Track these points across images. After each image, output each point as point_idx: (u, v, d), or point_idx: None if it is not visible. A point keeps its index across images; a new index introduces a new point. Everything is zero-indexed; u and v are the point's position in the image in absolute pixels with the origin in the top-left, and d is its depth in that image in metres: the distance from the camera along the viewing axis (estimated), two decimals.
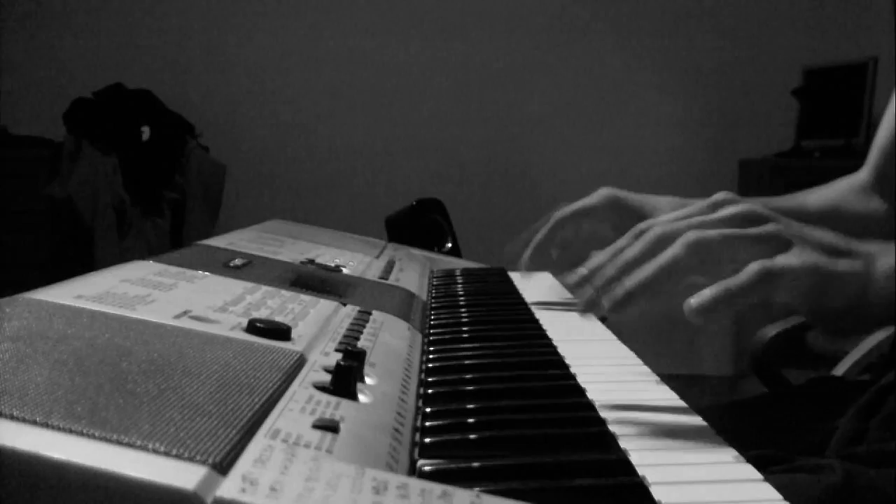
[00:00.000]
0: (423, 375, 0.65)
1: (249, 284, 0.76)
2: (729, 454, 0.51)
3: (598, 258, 0.59)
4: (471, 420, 0.54)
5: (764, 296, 0.52)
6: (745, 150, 3.38)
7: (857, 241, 0.59)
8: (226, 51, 3.43)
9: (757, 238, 0.54)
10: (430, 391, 0.60)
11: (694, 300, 0.52)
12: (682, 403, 0.61)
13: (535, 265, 1.02)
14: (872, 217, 1.07)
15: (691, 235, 0.53)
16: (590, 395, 0.61)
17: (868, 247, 0.59)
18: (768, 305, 0.55)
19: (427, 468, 0.46)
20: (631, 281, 0.53)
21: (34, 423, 0.35)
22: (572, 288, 0.61)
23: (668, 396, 0.63)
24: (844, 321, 0.56)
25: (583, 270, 0.57)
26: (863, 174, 1.10)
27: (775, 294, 0.52)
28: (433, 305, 0.95)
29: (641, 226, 0.59)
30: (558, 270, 1.10)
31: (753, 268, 0.52)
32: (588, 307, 0.59)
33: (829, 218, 1.08)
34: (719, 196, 0.59)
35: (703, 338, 3.27)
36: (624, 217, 1.04)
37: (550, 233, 1.01)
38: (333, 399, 0.48)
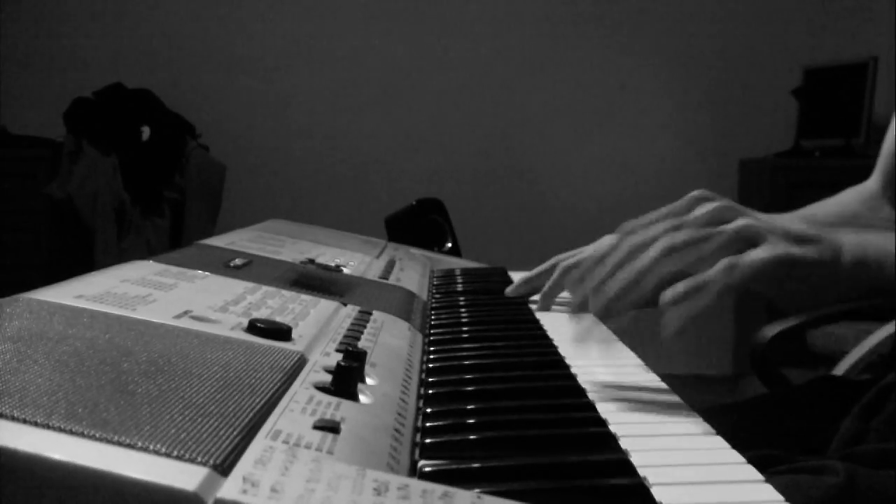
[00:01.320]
0: (423, 376, 0.65)
1: (250, 284, 0.76)
2: (730, 455, 0.51)
3: (585, 263, 0.64)
4: (471, 420, 0.54)
5: (735, 288, 0.56)
6: (745, 150, 3.38)
7: (826, 228, 0.64)
8: (226, 51, 3.43)
9: (727, 236, 0.58)
10: (430, 391, 0.60)
11: (667, 292, 0.58)
12: (682, 403, 0.61)
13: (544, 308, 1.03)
14: (882, 227, 1.06)
15: (661, 242, 0.58)
16: (590, 395, 0.61)
17: (836, 234, 0.63)
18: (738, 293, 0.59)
19: (428, 469, 0.46)
20: (611, 286, 0.58)
21: (35, 423, 0.35)
22: (570, 292, 0.66)
23: (669, 396, 0.63)
24: (806, 300, 0.60)
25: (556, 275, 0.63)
26: (871, 182, 1.09)
27: (746, 284, 0.57)
28: (433, 305, 0.95)
29: (625, 227, 0.64)
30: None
31: (721, 264, 0.57)
32: (578, 309, 0.65)
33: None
34: (694, 193, 0.64)
35: (704, 338, 3.27)
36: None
37: (557, 283, 1.02)
38: (334, 399, 0.48)
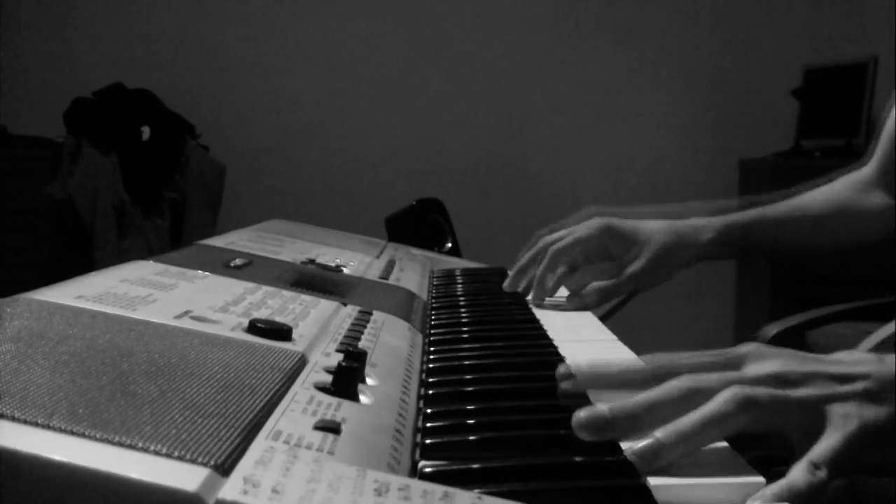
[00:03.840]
0: (424, 376, 0.65)
1: (250, 284, 0.76)
2: (730, 455, 0.51)
3: (636, 409, 0.52)
4: (472, 421, 0.54)
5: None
6: (745, 150, 3.38)
7: (889, 361, 0.53)
8: (226, 51, 3.43)
9: (798, 405, 0.50)
10: (431, 392, 0.60)
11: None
12: None
13: (545, 297, 1.04)
14: (874, 213, 1.07)
15: (738, 392, 0.49)
16: (590, 395, 0.61)
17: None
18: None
19: (428, 469, 0.46)
20: (670, 432, 0.48)
21: (36, 424, 0.35)
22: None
23: None
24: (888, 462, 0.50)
25: (603, 411, 0.50)
26: (866, 169, 1.10)
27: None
28: (434, 305, 0.95)
29: (660, 363, 0.54)
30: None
31: (805, 474, 0.47)
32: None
33: (831, 219, 1.09)
34: (746, 348, 0.55)
35: (705, 337, 3.27)
36: (616, 243, 1.05)
37: (549, 269, 1.03)
38: (335, 400, 0.48)
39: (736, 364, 0.53)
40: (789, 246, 1.12)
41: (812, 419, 0.49)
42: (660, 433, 0.47)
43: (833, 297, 1.56)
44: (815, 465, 0.47)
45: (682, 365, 0.53)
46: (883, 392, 0.50)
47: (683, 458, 0.47)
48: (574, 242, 1.05)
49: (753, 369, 0.52)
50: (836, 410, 0.49)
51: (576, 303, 1.03)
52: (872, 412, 0.49)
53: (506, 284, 1.06)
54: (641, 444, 0.47)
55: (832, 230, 1.09)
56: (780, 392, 0.50)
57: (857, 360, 0.53)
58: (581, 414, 0.50)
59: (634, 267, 1.05)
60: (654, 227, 1.06)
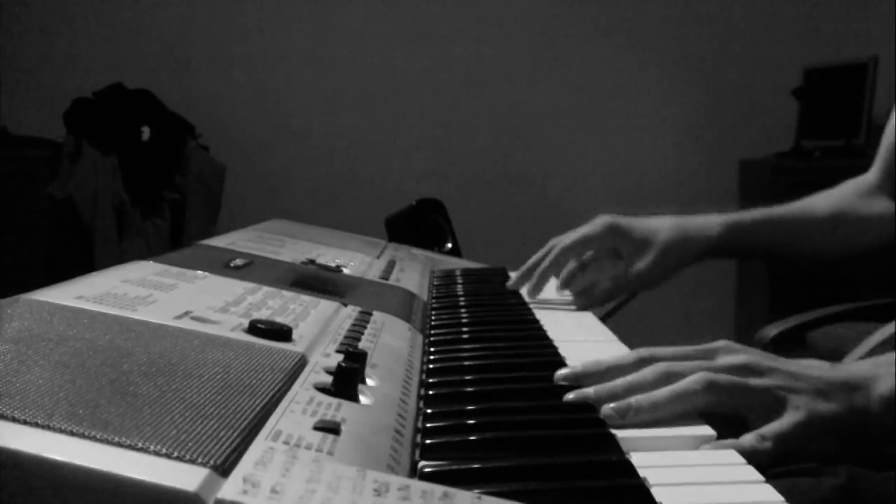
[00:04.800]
0: (424, 376, 0.65)
1: (250, 285, 0.76)
2: (730, 455, 0.51)
3: (616, 389, 0.59)
4: (472, 421, 0.54)
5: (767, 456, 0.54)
6: (745, 150, 3.38)
7: (854, 367, 0.61)
8: (226, 51, 3.43)
9: (757, 391, 0.58)
10: (431, 392, 0.60)
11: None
12: None
13: (538, 292, 1.06)
14: (877, 219, 1.07)
15: (704, 375, 0.57)
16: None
17: (865, 370, 0.60)
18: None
19: (428, 469, 0.46)
20: (643, 399, 0.56)
21: (36, 424, 0.35)
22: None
23: None
24: (836, 453, 0.57)
25: (589, 392, 0.59)
26: (869, 175, 1.10)
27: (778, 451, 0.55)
28: (434, 306, 0.95)
29: (643, 354, 0.63)
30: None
31: (752, 437, 0.55)
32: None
33: (833, 223, 1.09)
34: (720, 343, 0.63)
35: (705, 337, 3.27)
36: (623, 241, 1.07)
37: (553, 265, 1.05)
38: (335, 400, 0.48)
39: (709, 355, 0.62)
40: (792, 249, 1.13)
41: (767, 405, 0.57)
42: (634, 399, 0.56)
43: (833, 298, 1.56)
44: (763, 437, 0.54)
45: (662, 354, 0.62)
46: (831, 392, 0.58)
47: (651, 422, 0.55)
48: (581, 240, 1.07)
49: (723, 360, 0.61)
50: (789, 400, 0.57)
51: (581, 301, 1.04)
52: (820, 407, 0.57)
53: (510, 283, 1.07)
54: (618, 403, 0.56)
55: (835, 235, 1.10)
56: (740, 379, 0.58)
57: (812, 363, 0.61)
58: (570, 396, 0.59)
59: (640, 265, 1.06)
60: (659, 225, 1.08)
